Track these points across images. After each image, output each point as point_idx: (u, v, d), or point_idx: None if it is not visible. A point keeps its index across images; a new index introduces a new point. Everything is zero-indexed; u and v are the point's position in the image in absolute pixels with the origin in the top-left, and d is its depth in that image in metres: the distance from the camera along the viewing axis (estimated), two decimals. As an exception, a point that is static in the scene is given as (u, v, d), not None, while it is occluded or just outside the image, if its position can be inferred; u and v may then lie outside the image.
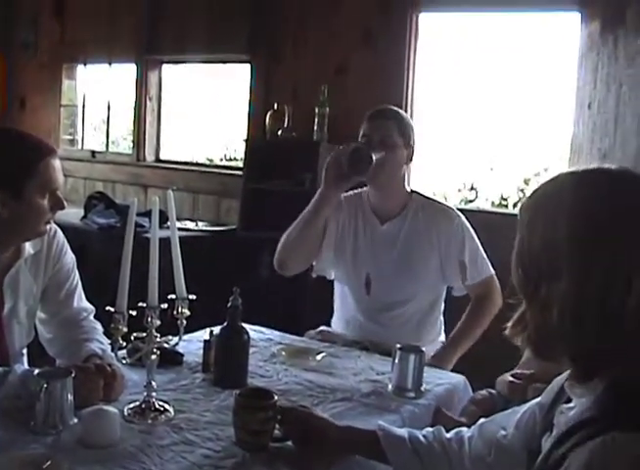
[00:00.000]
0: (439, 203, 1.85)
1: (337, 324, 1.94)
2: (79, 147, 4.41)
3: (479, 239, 1.81)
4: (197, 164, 3.92)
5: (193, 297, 1.27)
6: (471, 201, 3.27)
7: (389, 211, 1.82)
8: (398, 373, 1.33)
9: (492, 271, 1.80)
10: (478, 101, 3.06)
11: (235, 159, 4.07)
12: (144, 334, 1.19)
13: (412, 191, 1.86)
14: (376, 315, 1.81)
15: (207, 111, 4.04)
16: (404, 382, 1.33)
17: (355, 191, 1.92)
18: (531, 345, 0.75)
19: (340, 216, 1.85)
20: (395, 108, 1.82)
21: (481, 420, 1.03)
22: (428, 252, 1.77)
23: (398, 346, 1.37)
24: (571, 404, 0.76)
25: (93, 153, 4.29)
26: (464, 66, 3.05)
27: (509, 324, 0.78)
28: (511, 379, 1.38)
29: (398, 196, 1.82)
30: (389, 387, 1.35)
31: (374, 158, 1.60)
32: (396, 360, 1.34)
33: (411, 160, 1.79)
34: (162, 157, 4.05)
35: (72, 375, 1.12)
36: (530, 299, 0.75)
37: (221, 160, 4.11)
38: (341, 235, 1.84)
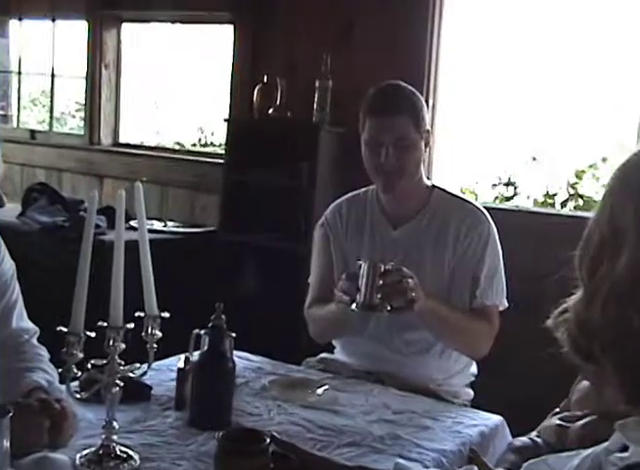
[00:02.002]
0: (466, 200, 1.87)
1: (342, 351, 1.95)
2: (14, 125, 4.38)
3: (503, 254, 1.84)
4: (166, 150, 3.94)
5: (165, 314, 1.28)
6: (508, 198, 3.28)
7: (404, 212, 1.85)
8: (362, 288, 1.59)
9: (505, 304, 1.83)
10: (517, 78, 3.06)
11: (213, 144, 4.08)
12: (103, 361, 1.19)
13: (432, 186, 1.88)
14: (389, 340, 1.83)
15: (179, 83, 4.05)
16: (369, 296, 1.59)
17: (358, 191, 1.96)
18: (570, 339, 0.76)
19: (341, 233, 1.90)
20: (404, 88, 1.81)
21: (526, 464, 1.03)
22: (442, 258, 1.80)
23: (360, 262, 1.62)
24: (626, 454, 0.75)
25: (32, 133, 4.26)
26: (501, 34, 3.05)
27: (553, 313, 0.80)
28: (559, 423, 1.37)
29: (416, 195, 1.85)
30: (354, 306, 1.62)
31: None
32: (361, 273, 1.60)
33: (427, 144, 1.82)
34: (122, 140, 4.06)
35: (9, 414, 1.11)
36: (586, 279, 0.76)
37: (195, 145, 4.13)
38: (348, 251, 1.88)
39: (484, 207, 1.93)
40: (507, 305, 1.84)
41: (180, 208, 3.72)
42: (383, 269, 1.58)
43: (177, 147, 4.05)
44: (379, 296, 1.57)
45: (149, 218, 3.79)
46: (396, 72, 2.69)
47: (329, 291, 1.73)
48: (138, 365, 1.25)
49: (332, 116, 3.12)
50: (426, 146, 1.80)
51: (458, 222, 1.81)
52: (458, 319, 1.74)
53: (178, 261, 3.19)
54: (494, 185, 3.32)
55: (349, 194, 1.97)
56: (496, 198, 3.31)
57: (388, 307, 1.60)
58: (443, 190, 1.90)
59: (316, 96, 3.12)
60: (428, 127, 1.81)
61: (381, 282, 1.56)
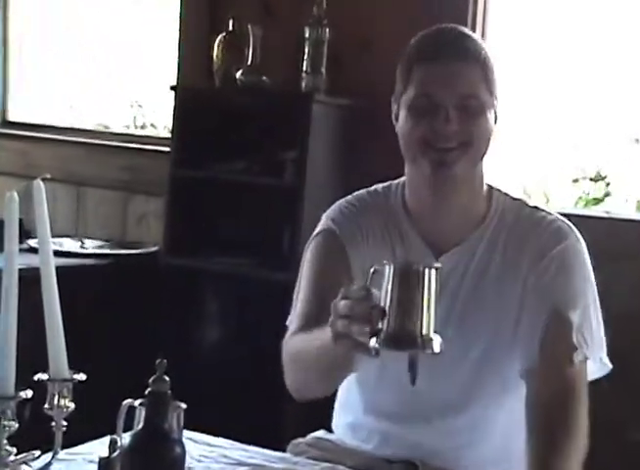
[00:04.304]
0: (542, 211, 1.83)
1: (343, 427, 1.96)
2: None
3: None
4: (83, 133, 3.95)
5: (81, 377, 1.28)
6: (597, 201, 3.29)
7: (452, 233, 1.84)
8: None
9: (607, 364, 1.81)
10: (599, 37, 3.14)
11: (154, 125, 4.10)
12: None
13: (490, 188, 1.87)
14: (425, 421, 1.82)
15: (98, 37, 4.07)
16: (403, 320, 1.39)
17: (379, 189, 1.94)
18: None
19: (363, 245, 1.86)
20: (469, 32, 1.83)
21: None
22: (508, 298, 1.78)
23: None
24: None
25: None
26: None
27: None
28: None
29: (472, 205, 1.85)
30: (373, 341, 1.39)
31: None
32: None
33: (496, 121, 1.82)
34: (13, 117, 4.08)
35: None
36: None
37: (127, 126, 4.14)
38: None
39: (562, 214, 1.93)
40: (610, 365, 1.81)
41: (105, 219, 3.72)
42: (426, 275, 1.39)
43: (100, 129, 4.07)
44: (421, 321, 1.37)
45: (57, 236, 3.80)
46: (423, 16, 2.72)
47: (328, 316, 1.58)
48: (37, 453, 1.24)
49: (329, 80, 3.14)
50: (495, 121, 1.78)
51: (532, 242, 1.79)
52: None
53: (101, 298, 3.19)
54: (575, 180, 3.33)
55: (359, 193, 1.93)
56: (579, 200, 3.33)
57: (438, 343, 1.39)
58: (508, 195, 1.86)
59: (306, 52, 3.14)
60: (496, 95, 1.78)
61: (425, 297, 1.38)
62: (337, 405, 1.99)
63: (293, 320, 1.88)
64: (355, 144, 3.18)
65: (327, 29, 3.12)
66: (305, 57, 3.14)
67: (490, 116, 1.75)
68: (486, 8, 3.14)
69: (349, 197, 1.95)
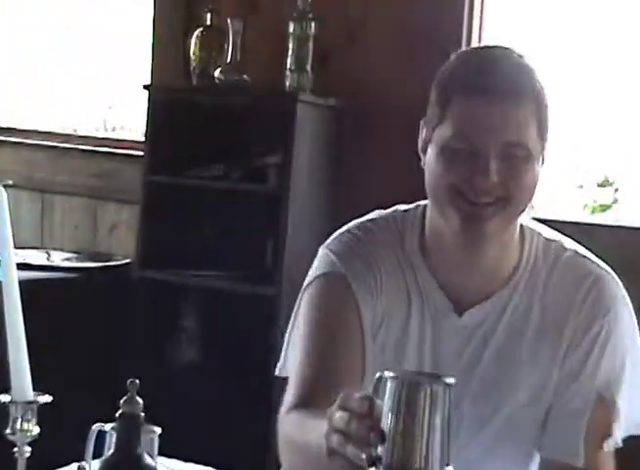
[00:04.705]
0: (582, 257, 1.72)
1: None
2: None
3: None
4: (49, 136, 3.93)
5: (46, 398, 1.26)
6: (604, 208, 3.29)
7: (479, 287, 1.73)
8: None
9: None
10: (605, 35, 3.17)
11: (124, 128, 4.08)
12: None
13: (522, 228, 1.73)
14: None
15: (67, 30, 4.07)
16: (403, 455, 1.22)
17: (391, 221, 1.76)
18: None
19: (377, 298, 1.74)
20: (521, 57, 1.62)
21: None
22: (548, 363, 1.72)
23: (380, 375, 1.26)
24: None
25: None
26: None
27: None
28: None
29: (503, 258, 1.71)
30: None
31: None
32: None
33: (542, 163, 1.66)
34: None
35: None
36: None
37: (97, 129, 4.12)
38: (380, 334, 1.76)
39: (567, 223, 1.88)
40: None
41: (73, 229, 3.71)
42: (439, 396, 1.24)
43: (69, 132, 4.05)
44: (431, 454, 1.23)
45: (20, 247, 3.77)
46: (416, 11, 2.71)
47: (335, 386, 1.46)
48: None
49: (315, 79, 3.14)
50: (540, 172, 1.64)
51: (576, 304, 1.71)
52: None
53: (69, 314, 3.16)
54: (580, 187, 3.33)
55: (364, 224, 1.74)
56: (585, 207, 3.32)
57: None
58: (539, 234, 1.73)
59: (290, 48, 3.13)
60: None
61: (438, 423, 1.24)
62: None
63: (290, 388, 1.69)
64: (344, 147, 3.17)
65: (312, 24, 3.11)
66: (289, 54, 3.13)
67: (538, 164, 1.60)
68: (484, 2, 3.15)
69: (353, 228, 1.77)
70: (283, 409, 1.65)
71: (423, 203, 1.73)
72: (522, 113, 1.55)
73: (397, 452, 1.21)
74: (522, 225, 1.71)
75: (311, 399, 1.59)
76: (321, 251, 1.74)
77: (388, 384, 1.23)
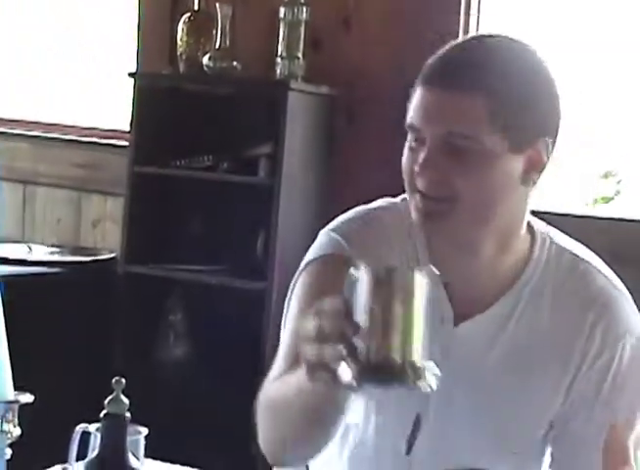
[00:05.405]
0: (598, 272, 1.68)
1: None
2: None
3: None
4: (28, 125, 3.93)
5: (27, 398, 1.26)
6: (607, 200, 3.28)
7: (480, 292, 1.73)
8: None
9: None
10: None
11: (109, 117, 4.07)
12: None
13: (532, 231, 1.69)
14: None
15: (67, 30, 4.07)
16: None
17: (400, 207, 1.72)
18: None
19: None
20: (506, 44, 1.61)
21: None
22: (551, 385, 1.71)
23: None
24: None
25: None
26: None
27: None
28: None
29: (500, 260, 1.67)
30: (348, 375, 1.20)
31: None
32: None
33: (535, 172, 1.58)
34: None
35: None
36: None
37: (80, 118, 4.10)
38: None
39: (560, 215, 1.85)
40: None
41: (55, 222, 3.70)
42: (415, 282, 1.23)
43: (51, 122, 4.02)
44: (407, 344, 1.21)
45: (2, 241, 3.75)
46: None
47: None
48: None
49: (307, 66, 3.13)
50: (531, 171, 1.57)
51: (586, 320, 1.69)
52: None
53: (51, 311, 3.16)
54: (583, 179, 3.33)
55: (371, 209, 1.72)
56: (590, 199, 3.33)
57: (433, 376, 1.23)
58: (551, 240, 1.69)
59: (281, 34, 3.13)
60: (547, 140, 1.58)
61: (415, 312, 1.23)
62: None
63: (274, 366, 1.66)
64: (337, 137, 3.17)
65: (304, 9, 3.10)
66: (280, 40, 3.12)
67: (505, 165, 1.55)
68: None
69: (360, 212, 1.75)
70: (265, 383, 1.62)
71: None
72: (467, 103, 1.51)
73: (375, 342, 1.20)
74: (532, 227, 1.68)
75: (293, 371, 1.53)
76: (323, 233, 1.71)
77: (362, 275, 1.22)
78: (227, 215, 3.25)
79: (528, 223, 1.68)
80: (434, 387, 1.23)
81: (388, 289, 1.21)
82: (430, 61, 1.58)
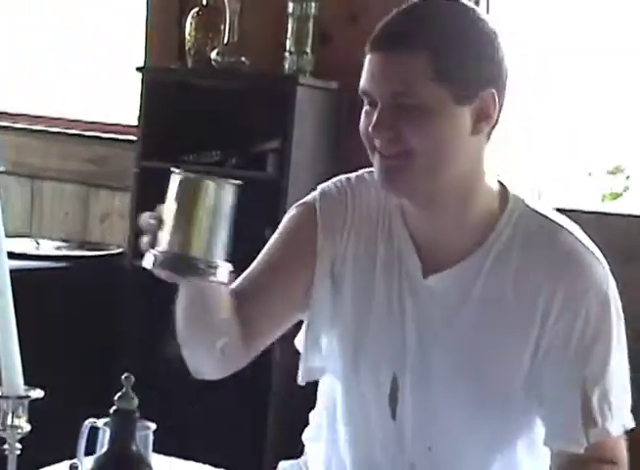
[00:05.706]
0: (565, 230, 1.71)
1: (319, 459, 1.91)
2: None
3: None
4: (37, 120, 3.94)
5: (38, 393, 1.27)
6: (616, 196, 3.27)
7: (451, 247, 1.76)
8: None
9: (632, 424, 1.76)
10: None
11: (117, 112, 4.07)
12: None
13: (505, 191, 1.75)
14: (410, 457, 1.81)
15: (67, 30, 4.10)
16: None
17: (370, 172, 1.87)
18: None
19: (340, 245, 1.81)
20: (444, 4, 1.68)
21: None
22: (520, 339, 1.73)
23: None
24: None
25: None
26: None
27: None
28: None
29: (467, 214, 1.77)
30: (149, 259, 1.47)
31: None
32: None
33: (486, 120, 1.64)
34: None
35: None
36: None
37: (89, 113, 4.11)
38: (342, 288, 1.81)
39: (569, 211, 1.86)
40: (633, 424, 1.78)
41: (63, 216, 3.71)
42: (209, 190, 1.47)
43: (58, 116, 4.03)
44: (203, 243, 1.46)
45: (9, 235, 3.79)
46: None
47: (266, 297, 1.76)
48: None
49: (316, 61, 3.15)
50: (480, 122, 1.64)
51: (552, 281, 1.71)
52: None
53: (60, 305, 3.18)
54: (589, 174, 3.31)
55: (363, 172, 1.83)
56: (600, 195, 3.31)
57: (226, 272, 1.51)
58: (525, 203, 1.73)
59: (289, 29, 3.14)
60: (491, 90, 1.63)
61: (208, 215, 1.48)
62: (315, 431, 1.95)
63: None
64: (345, 132, 3.16)
65: (313, 4, 3.12)
66: (289, 35, 3.14)
67: (451, 119, 1.61)
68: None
69: (351, 174, 1.87)
70: None
71: None
72: (408, 62, 1.58)
73: (177, 237, 1.44)
74: (506, 189, 1.74)
75: (242, 293, 1.79)
76: None
77: (173, 178, 1.48)
78: (235, 211, 3.25)
79: (502, 185, 1.74)
80: (225, 280, 1.51)
81: (187, 193, 1.47)
82: (380, 24, 1.66)
